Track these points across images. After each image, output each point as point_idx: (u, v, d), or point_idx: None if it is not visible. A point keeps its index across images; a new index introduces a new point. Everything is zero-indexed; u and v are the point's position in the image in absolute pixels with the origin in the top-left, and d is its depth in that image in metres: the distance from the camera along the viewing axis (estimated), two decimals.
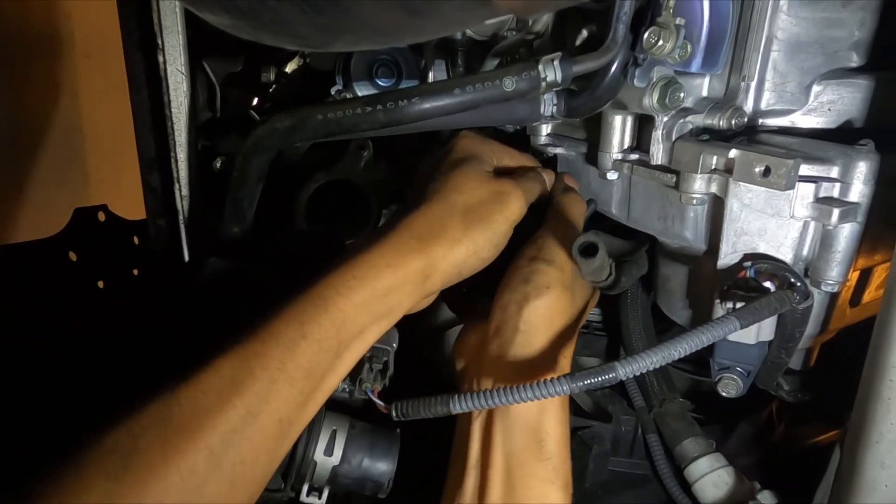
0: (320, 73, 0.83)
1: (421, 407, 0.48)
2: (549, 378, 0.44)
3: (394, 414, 0.49)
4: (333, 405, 0.56)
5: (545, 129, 0.76)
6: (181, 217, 0.52)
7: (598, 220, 0.75)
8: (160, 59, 0.49)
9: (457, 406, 0.46)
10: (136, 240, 1.08)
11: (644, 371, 0.45)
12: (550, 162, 0.81)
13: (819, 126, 0.56)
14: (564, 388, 0.44)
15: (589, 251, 0.51)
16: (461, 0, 0.23)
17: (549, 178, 0.65)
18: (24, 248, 0.77)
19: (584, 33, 0.62)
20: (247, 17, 0.32)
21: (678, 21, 0.48)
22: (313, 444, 0.53)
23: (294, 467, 0.52)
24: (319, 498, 0.54)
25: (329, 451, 0.53)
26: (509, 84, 0.47)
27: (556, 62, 0.48)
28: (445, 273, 0.50)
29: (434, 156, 0.59)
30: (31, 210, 1.84)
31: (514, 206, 0.54)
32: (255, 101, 0.83)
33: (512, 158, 0.64)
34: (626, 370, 0.44)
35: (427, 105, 0.46)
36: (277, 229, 0.75)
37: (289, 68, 0.78)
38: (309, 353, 0.42)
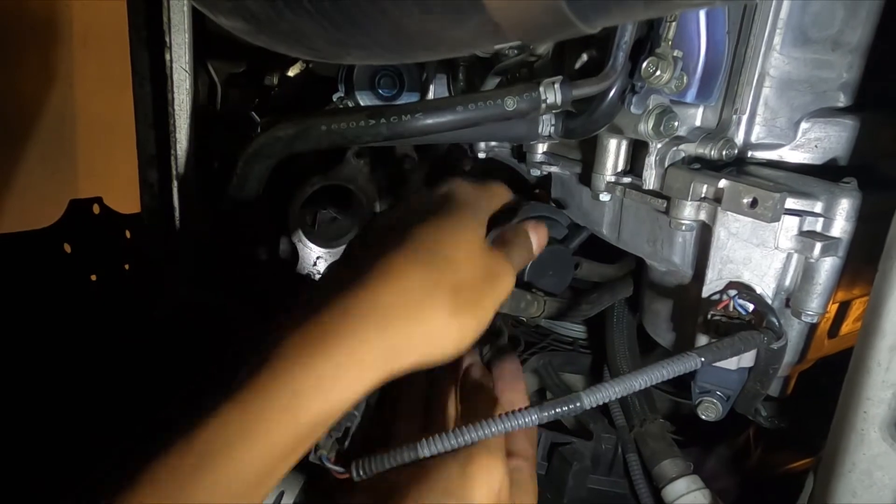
0: (322, 79, 0.84)
1: (386, 460, 0.41)
2: (518, 409, 0.44)
3: (354, 475, 0.42)
4: None
5: (541, 147, 0.77)
6: (177, 214, 0.53)
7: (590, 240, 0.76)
8: (167, 56, 0.49)
9: (425, 450, 0.44)
10: (128, 234, 1.08)
11: (608, 400, 0.46)
12: (544, 181, 0.83)
13: (805, 161, 0.57)
14: (533, 418, 0.45)
15: None
16: (472, 28, 0.24)
17: (537, 234, 0.52)
18: (20, 238, 0.76)
19: (584, 58, 0.64)
20: (263, 27, 0.32)
21: (676, 53, 0.50)
22: None
23: None
24: None
25: None
26: (510, 104, 0.48)
27: (556, 85, 0.49)
28: (415, 364, 0.38)
29: (419, 198, 0.46)
30: (19, 198, 1.83)
31: (506, 288, 0.44)
32: (256, 101, 0.84)
33: (502, 200, 0.52)
34: (590, 400, 0.45)
35: (430, 121, 0.47)
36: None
37: (291, 72, 0.79)
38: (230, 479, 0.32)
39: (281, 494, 0.48)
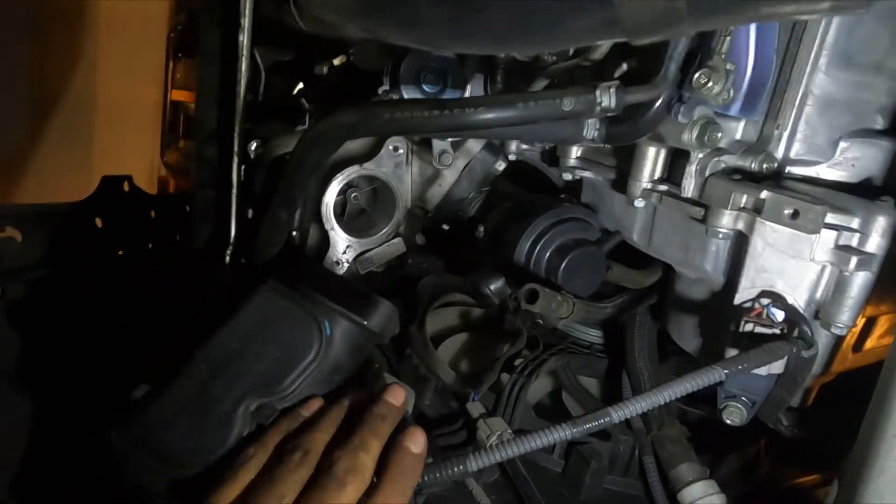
0: (361, 73, 0.86)
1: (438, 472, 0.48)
2: (556, 425, 0.49)
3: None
4: None
5: (575, 152, 0.79)
6: (234, 190, 0.54)
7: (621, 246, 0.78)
8: (240, 38, 0.51)
9: (474, 464, 0.49)
10: (153, 214, 1.10)
11: (635, 414, 0.50)
12: (575, 185, 0.85)
13: (841, 179, 0.59)
14: (567, 433, 0.49)
15: (531, 297, 0.60)
16: (596, 21, 0.26)
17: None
18: (58, 210, 0.78)
19: (624, 67, 0.66)
20: (376, 12, 0.33)
21: (729, 66, 0.52)
22: None
23: None
24: None
25: None
26: (567, 104, 0.50)
27: (612, 89, 0.51)
28: None
29: None
30: (39, 168, 1.84)
31: None
32: (297, 89, 0.86)
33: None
34: (618, 414, 0.51)
35: (491, 115, 0.48)
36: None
37: (336, 62, 0.81)
38: None
39: None
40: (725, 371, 0.50)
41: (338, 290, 0.51)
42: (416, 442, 0.48)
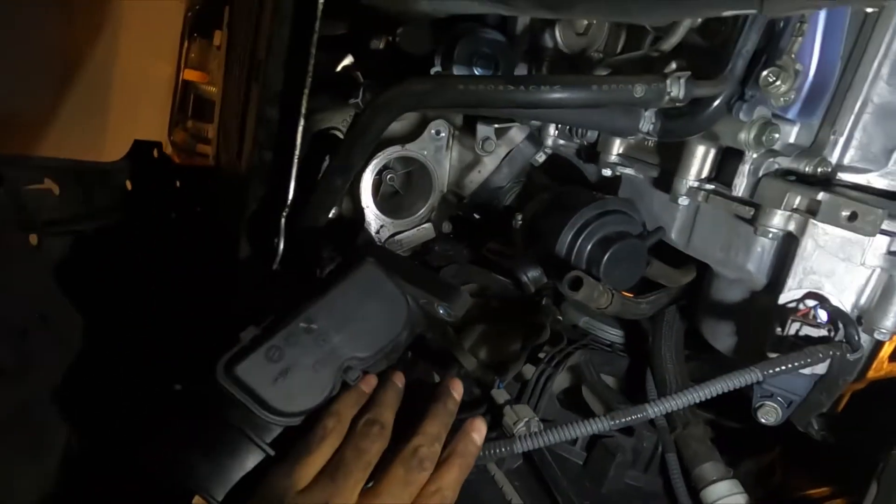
0: (405, 54, 0.86)
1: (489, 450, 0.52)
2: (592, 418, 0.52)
3: None
4: None
5: (616, 148, 0.79)
6: (296, 151, 0.54)
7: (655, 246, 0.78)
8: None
9: (520, 445, 0.51)
10: (178, 183, 1.09)
11: (671, 410, 0.52)
12: (610, 182, 0.85)
13: (891, 189, 0.60)
14: (606, 425, 0.50)
15: (575, 284, 0.63)
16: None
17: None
18: (93, 169, 0.77)
19: (673, 65, 0.66)
20: None
21: (798, 66, 0.53)
22: None
23: None
24: None
25: None
26: (639, 91, 0.50)
27: (682, 80, 0.52)
28: None
29: None
30: (56, 130, 1.83)
31: None
32: (342, 65, 0.86)
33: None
34: (655, 409, 0.53)
35: (565, 95, 0.49)
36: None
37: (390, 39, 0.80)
38: None
39: None
40: (762, 373, 0.51)
41: (423, 277, 0.57)
42: (480, 432, 0.53)
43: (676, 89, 0.52)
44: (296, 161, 0.54)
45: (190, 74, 2.14)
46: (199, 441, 0.47)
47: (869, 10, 0.52)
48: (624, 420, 0.52)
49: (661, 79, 0.51)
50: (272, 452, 0.47)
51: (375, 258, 0.54)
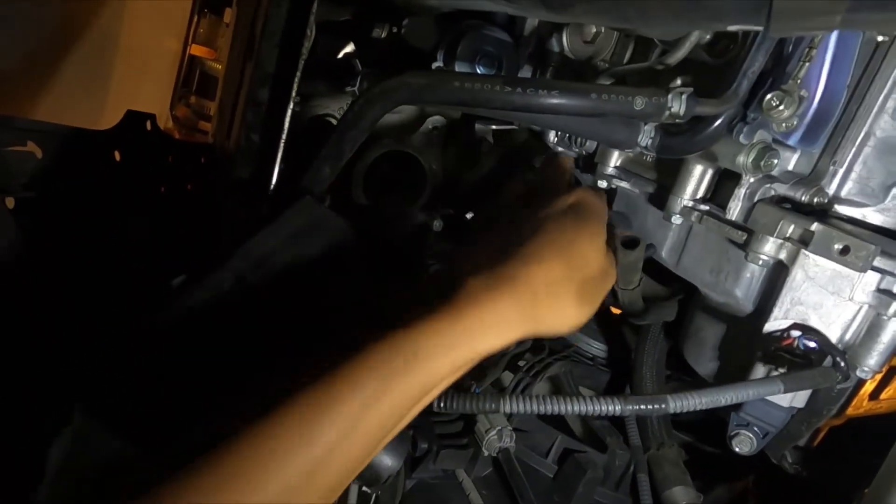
0: (409, 47, 0.84)
1: (467, 402, 0.47)
2: (602, 397, 0.48)
3: (436, 405, 0.47)
4: None
5: (614, 160, 0.78)
6: (283, 136, 0.53)
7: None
8: None
9: (507, 406, 0.47)
10: (170, 159, 1.07)
11: (693, 409, 0.48)
12: (610, 194, 0.84)
13: (886, 225, 0.59)
14: (618, 408, 0.47)
15: (630, 244, 0.61)
16: (742, 4, 0.25)
17: None
18: (79, 135, 0.75)
19: (678, 81, 0.65)
20: None
21: (802, 92, 0.52)
22: None
23: None
24: None
25: None
26: (639, 103, 0.49)
27: (684, 96, 0.50)
28: (539, 335, 0.47)
29: (543, 194, 0.56)
30: (53, 95, 1.80)
31: (612, 284, 0.56)
32: (344, 52, 0.84)
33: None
34: (676, 404, 0.48)
35: (563, 101, 0.47)
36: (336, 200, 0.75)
37: (395, 30, 0.79)
38: (385, 409, 0.39)
39: None
40: (784, 385, 0.49)
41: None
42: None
43: (677, 105, 0.50)
44: (282, 145, 0.53)
45: (197, 50, 2.12)
46: None
47: (880, 38, 0.50)
48: (639, 407, 0.48)
49: (662, 93, 0.50)
50: None
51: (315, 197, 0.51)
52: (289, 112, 0.52)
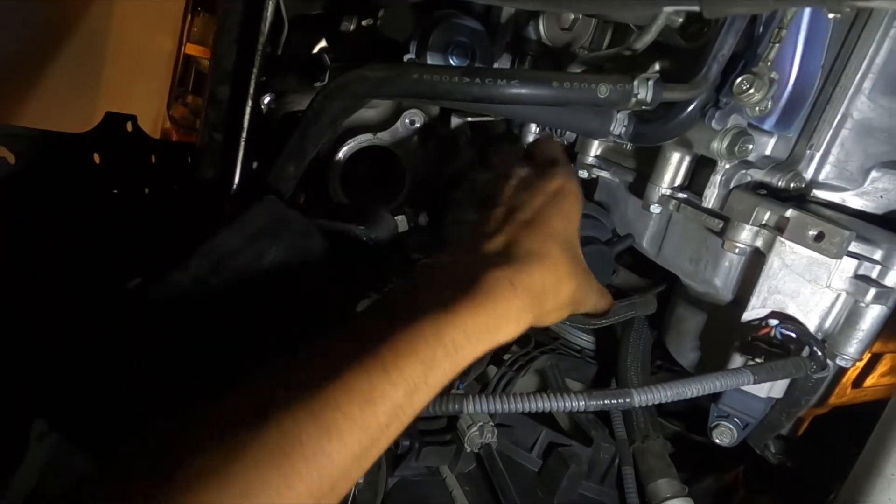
0: (386, 39, 0.83)
1: (432, 403, 0.46)
2: (569, 392, 0.47)
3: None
4: None
5: (594, 149, 0.77)
6: (244, 134, 0.52)
7: (624, 252, 0.76)
8: None
9: (470, 406, 0.46)
10: (153, 159, 1.07)
11: (658, 402, 0.47)
12: (588, 184, 0.83)
13: (866, 209, 0.58)
14: (581, 404, 0.46)
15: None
16: None
17: None
18: (55, 138, 0.75)
19: (656, 66, 0.63)
20: None
21: (773, 75, 0.50)
22: None
23: None
24: None
25: None
26: (603, 91, 0.48)
27: (650, 82, 0.49)
28: (538, 325, 0.48)
29: (522, 168, 0.55)
30: (42, 104, 1.80)
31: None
32: (318, 47, 0.83)
33: None
34: (641, 398, 0.47)
35: (523, 90, 0.46)
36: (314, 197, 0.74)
37: (364, 23, 0.78)
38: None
39: None
40: (755, 375, 0.48)
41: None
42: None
43: (644, 91, 0.49)
44: (243, 143, 0.52)
45: (192, 49, 2.11)
46: None
47: (830, 15, 0.49)
48: (602, 402, 0.47)
49: (627, 80, 0.49)
50: None
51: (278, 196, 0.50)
52: (247, 110, 0.51)
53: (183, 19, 2.09)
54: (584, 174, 0.78)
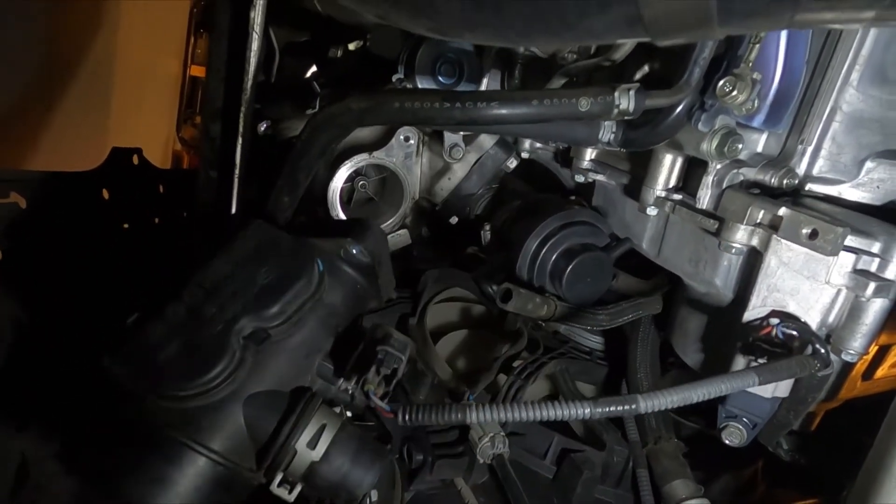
0: (377, 57, 0.84)
1: (433, 413, 0.46)
2: (574, 400, 0.46)
3: (400, 418, 0.47)
4: (332, 404, 0.53)
5: (589, 154, 0.77)
6: (237, 171, 0.53)
7: (628, 255, 0.76)
8: (251, 14, 0.49)
9: (478, 415, 0.47)
10: (161, 188, 1.09)
11: (663, 408, 0.47)
12: (586, 188, 0.83)
13: (864, 201, 0.57)
14: (587, 411, 0.46)
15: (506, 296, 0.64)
16: (613, 18, 0.24)
17: None
18: (64, 179, 0.77)
19: (646, 69, 0.63)
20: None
21: (755, 75, 0.50)
22: (298, 432, 0.49)
23: (272, 450, 0.48)
24: (290, 493, 0.49)
25: (312, 445, 0.49)
26: (584, 105, 0.48)
27: (631, 92, 0.49)
28: None
29: None
30: (52, 133, 1.84)
31: None
32: (310, 72, 0.84)
33: None
34: (647, 404, 0.46)
35: (504, 111, 0.47)
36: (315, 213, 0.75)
37: (351, 47, 0.79)
38: None
39: (322, 427, 0.49)
40: (759, 377, 0.48)
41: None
42: None
43: (626, 102, 0.49)
44: (236, 180, 0.53)
45: (197, 70, 2.14)
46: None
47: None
48: (608, 409, 0.46)
49: (608, 91, 0.49)
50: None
51: (267, 220, 0.51)
52: (238, 147, 0.52)
53: (186, 41, 2.12)
54: (580, 178, 0.79)
